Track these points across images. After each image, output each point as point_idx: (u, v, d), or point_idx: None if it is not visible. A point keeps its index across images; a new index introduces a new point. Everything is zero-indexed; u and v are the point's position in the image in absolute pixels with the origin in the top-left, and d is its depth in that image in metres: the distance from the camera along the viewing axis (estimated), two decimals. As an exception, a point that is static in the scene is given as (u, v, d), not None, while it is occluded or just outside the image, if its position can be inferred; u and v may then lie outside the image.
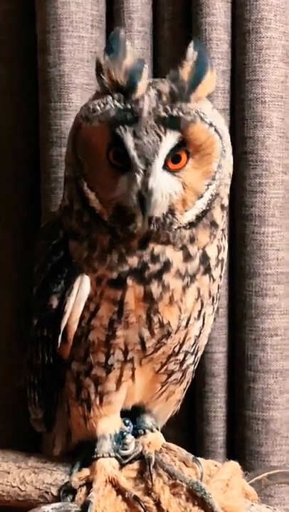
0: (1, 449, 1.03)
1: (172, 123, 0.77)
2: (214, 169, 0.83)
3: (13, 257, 1.38)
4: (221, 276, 0.90)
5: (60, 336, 0.88)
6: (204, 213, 0.83)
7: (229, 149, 0.85)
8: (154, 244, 0.83)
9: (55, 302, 0.88)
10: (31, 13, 1.28)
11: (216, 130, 0.81)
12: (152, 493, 0.89)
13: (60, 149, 1.23)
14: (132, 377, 0.91)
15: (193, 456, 0.94)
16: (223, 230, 0.88)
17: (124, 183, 0.79)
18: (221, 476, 0.92)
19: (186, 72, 0.78)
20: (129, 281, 0.83)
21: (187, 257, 0.84)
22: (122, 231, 0.82)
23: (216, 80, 0.84)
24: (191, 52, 0.78)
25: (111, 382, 0.90)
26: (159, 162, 0.77)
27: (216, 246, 0.87)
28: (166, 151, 0.78)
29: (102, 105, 0.79)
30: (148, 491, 0.89)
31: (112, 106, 0.78)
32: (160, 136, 0.77)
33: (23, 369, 1.03)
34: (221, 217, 0.86)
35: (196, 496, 0.87)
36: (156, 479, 0.90)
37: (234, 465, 0.95)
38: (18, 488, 0.96)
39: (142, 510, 0.87)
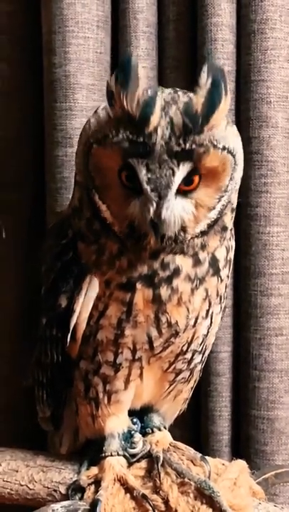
0: (10, 448, 1.03)
1: (185, 156, 0.76)
2: (226, 183, 0.82)
3: (16, 258, 1.38)
4: (228, 276, 0.90)
5: (69, 335, 0.88)
6: (216, 221, 0.83)
7: (241, 160, 0.84)
8: (165, 255, 0.83)
9: (64, 301, 0.88)
10: (36, 14, 1.28)
11: (228, 151, 0.79)
12: (160, 492, 0.89)
13: (66, 149, 1.23)
14: (140, 376, 0.91)
15: (201, 454, 0.94)
16: (231, 229, 0.88)
17: (137, 207, 0.79)
18: (228, 475, 0.92)
19: (199, 102, 0.74)
20: (139, 285, 0.83)
21: (197, 263, 0.84)
22: (133, 245, 0.82)
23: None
24: (205, 79, 0.75)
25: (119, 381, 0.90)
26: (171, 193, 0.77)
27: (225, 247, 0.87)
28: (179, 181, 0.77)
29: (113, 132, 0.77)
30: (156, 490, 0.90)
31: (124, 137, 0.76)
32: (173, 170, 0.76)
33: (31, 368, 1.03)
34: (230, 219, 0.86)
35: (204, 494, 0.88)
36: (165, 478, 0.90)
37: (241, 464, 0.95)
38: (27, 486, 0.96)
39: (150, 508, 0.87)
